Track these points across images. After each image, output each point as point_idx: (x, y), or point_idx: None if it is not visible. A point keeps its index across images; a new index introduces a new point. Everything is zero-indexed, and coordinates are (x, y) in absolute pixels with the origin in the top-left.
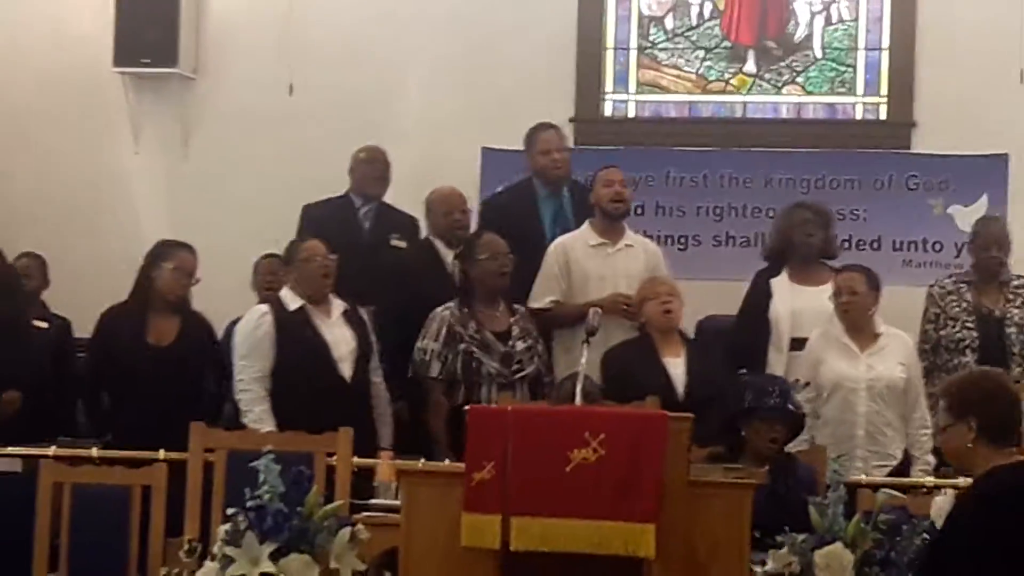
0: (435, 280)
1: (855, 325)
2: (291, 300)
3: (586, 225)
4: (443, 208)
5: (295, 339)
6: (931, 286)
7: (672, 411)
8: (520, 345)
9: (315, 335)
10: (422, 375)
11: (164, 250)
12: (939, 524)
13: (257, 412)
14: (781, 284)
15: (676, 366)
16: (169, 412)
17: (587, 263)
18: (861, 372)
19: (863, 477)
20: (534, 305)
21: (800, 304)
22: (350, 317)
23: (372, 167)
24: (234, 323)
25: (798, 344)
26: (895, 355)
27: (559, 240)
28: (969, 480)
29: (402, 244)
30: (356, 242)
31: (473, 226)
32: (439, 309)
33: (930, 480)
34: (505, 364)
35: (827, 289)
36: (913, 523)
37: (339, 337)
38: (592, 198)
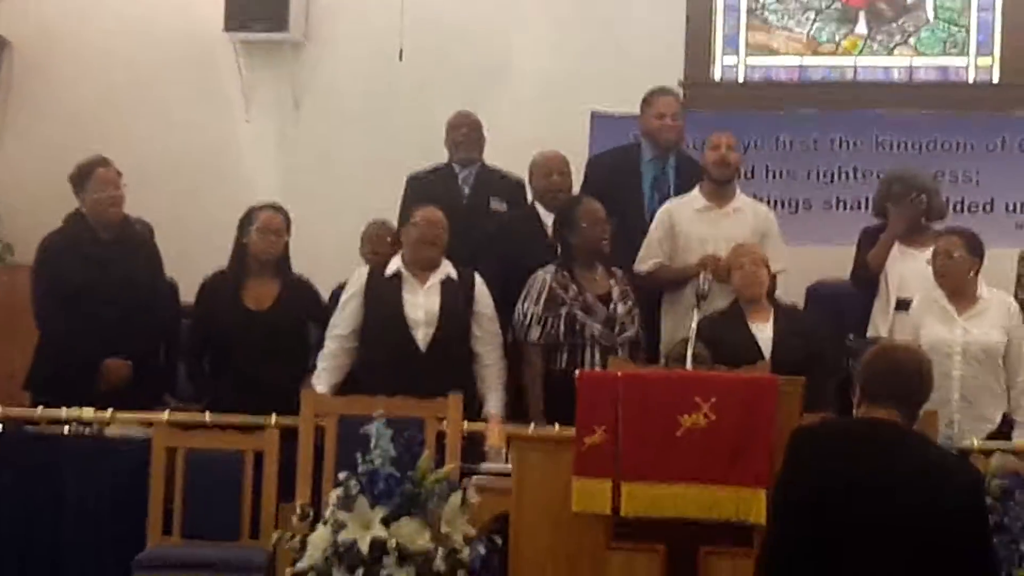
0: (535, 245)
1: (953, 288)
2: (393, 264)
3: (696, 189)
4: (543, 170)
5: (377, 302)
6: None
7: None
8: (621, 308)
9: (393, 300)
10: (521, 339)
11: (251, 214)
12: None
13: (320, 368)
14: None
15: (763, 331)
16: (267, 376)
17: (691, 226)
18: (956, 335)
19: (976, 442)
20: (640, 268)
21: (906, 266)
22: (449, 286)
23: (457, 132)
24: (341, 287)
25: (904, 305)
26: (994, 318)
27: (667, 204)
28: None
29: (502, 207)
30: (455, 207)
31: (577, 186)
32: (539, 272)
33: None
34: (608, 326)
35: (930, 252)
36: None
37: (420, 304)
38: (701, 161)
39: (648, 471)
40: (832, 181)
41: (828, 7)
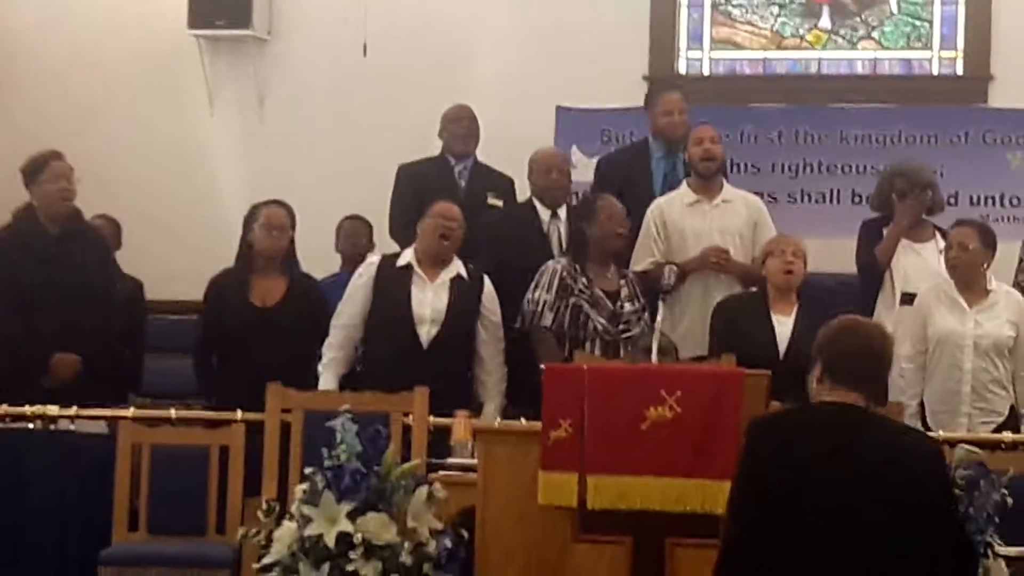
0: (531, 241)
1: (965, 281)
2: (406, 256)
3: (683, 184)
4: (543, 167)
5: (385, 293)
6: None
7: (771, 369)
8: (628, 307)
9: (401, 294)
10: (534, 324)
11: (254, 211)
12: None
13: (326, 359)
14: None
15: (783, 324)
16: (274, 373)
17: (683, 221)
18: (968, 328)
19: (941, 432)
20: (635, 268)
21: (909, 260)
22: (459, 283)
23: (457, 124)
24: None
25: (909, 299)
26: (1005, 312)
27: (656, 201)
28: None
29: (498, 203)
30: (453, 200)
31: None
32: (550, 262)
33: (1008, 436)
34: (612, 322)
35: (930, 246)
36: (991, 478)
37: (427, 300)
38: (685, 157)
39: (614, 464)
40: (797, 175)
41: (792, 1)
